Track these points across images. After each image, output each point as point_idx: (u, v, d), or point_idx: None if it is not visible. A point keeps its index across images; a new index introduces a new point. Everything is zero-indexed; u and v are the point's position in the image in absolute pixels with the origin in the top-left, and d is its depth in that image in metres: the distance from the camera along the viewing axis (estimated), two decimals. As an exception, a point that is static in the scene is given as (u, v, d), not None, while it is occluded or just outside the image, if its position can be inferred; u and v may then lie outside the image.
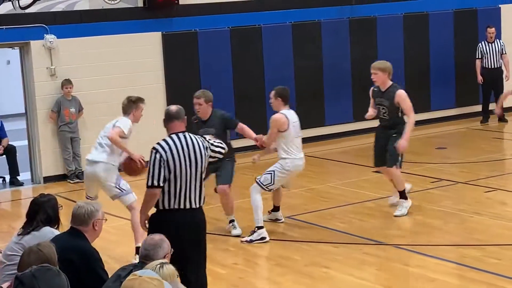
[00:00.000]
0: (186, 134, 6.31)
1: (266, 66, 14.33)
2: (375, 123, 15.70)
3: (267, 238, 8.81)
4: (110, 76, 13.07)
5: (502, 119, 15.50)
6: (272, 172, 9.02)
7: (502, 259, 7.75)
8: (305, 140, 14.45)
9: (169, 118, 6.36)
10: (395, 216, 9.35)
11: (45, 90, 12.71)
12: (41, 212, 6.05)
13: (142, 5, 13.26)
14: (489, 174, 11.36)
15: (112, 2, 13.06)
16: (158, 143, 6.25)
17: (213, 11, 13.87)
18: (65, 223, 6.32)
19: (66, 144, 12.71)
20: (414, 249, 8.22)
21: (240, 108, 14.08)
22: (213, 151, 6.56)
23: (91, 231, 5.63)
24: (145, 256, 4.96)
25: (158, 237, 5.09)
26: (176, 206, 6.19)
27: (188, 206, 6.21)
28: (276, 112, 9.15)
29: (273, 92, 9.26)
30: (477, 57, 15.50)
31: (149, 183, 6.15)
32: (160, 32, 13.46)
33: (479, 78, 15.47)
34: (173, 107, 6.42)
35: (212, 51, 13.84)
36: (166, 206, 6.19)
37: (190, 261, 6.15)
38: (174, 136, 6.27)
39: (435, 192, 10.56)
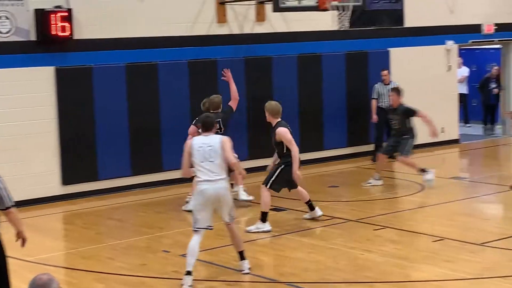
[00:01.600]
0: None
1: (162, 103, 14.29)
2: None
3: None
4: (1, 110, 12.72)
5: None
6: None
7: (391, 295, 7.92)
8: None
9: None
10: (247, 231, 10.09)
11: None
12: None
13: (34, 39, 13.01)
14: (379, 212, 11.65)
15: (3, 35, 12.76)
16: None
17: (108, 46, 13.75)
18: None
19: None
20: (306, 287, 8.30)
21: (135, 144, 13.97)
22: None
23: None
24: (35, 297, 4.77)
25: (46, 277, 4.92)
26: None
27: None
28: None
29: None
30: (373, 97, 15.98)
31: None
32: (54, 67, 13.23)
33: (374, 117, 15.91)
34: None
35: (108, 86, 13.70)
36: None
37: None
38: None
39: (327, 230, 10.73)
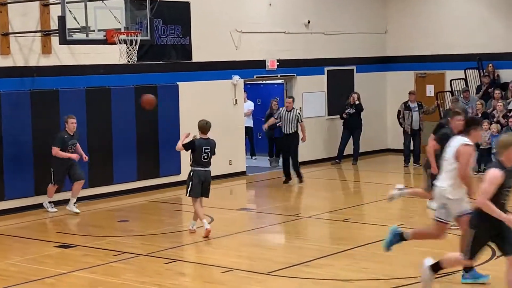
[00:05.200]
0: None
1: None
2: (58, 197, 15.50)
3: None
4: None
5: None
6: None
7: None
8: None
9: None
10: None
11: None
12: None
13: None
14: (169, 245, 11.70)
15: None
16: None
17: None
18: None
19: None
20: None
21: None
22: None
23: None
24: None
25: None
26: None
27: None
28: None
29: None
30: None
31: None
32: None
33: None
34: None
35: None
36: None
37: None
38: None
39: (117, 266, 10.61)
